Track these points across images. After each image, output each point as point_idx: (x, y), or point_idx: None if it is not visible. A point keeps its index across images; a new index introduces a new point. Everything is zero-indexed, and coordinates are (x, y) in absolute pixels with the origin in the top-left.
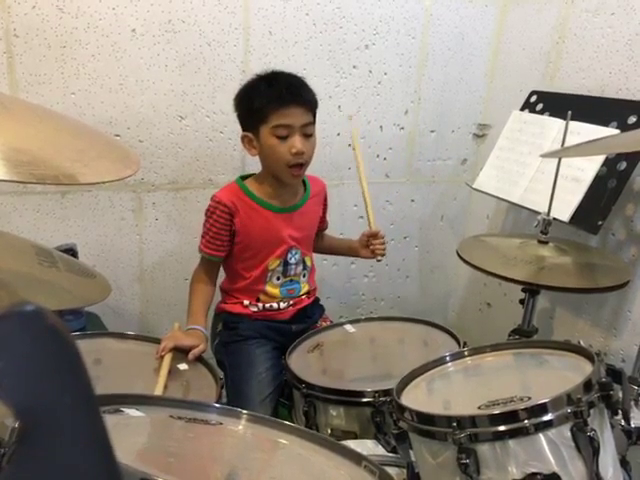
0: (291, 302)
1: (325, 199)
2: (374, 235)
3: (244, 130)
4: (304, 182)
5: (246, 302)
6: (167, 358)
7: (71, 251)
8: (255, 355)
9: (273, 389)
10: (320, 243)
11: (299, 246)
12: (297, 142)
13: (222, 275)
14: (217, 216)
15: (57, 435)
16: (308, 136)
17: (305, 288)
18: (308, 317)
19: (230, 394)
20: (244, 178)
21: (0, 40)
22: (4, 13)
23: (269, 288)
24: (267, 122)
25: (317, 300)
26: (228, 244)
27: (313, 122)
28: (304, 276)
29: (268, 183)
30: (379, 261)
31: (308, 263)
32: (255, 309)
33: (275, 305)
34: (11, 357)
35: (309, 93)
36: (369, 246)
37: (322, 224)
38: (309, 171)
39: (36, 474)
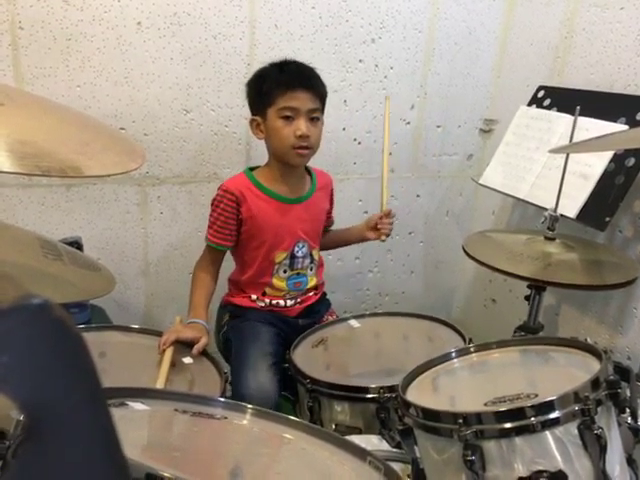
0: (298, 300)
1: (332, 194)
2: (387, 214)
3: (253, 114)
4: (310, 174)
5: (253, 297)
6: (168, 352)
7: (76, 244)
8: (260, 332)
9: (276, 361)
10: (327, 240)
11: (306, 238)
12: (302, 125)
13: (230, 267)
14: (224, 205)
15: (64, 430)
16: (314, 121)
17: (312, 282)
18: (315, 312)
19: (235, 364)
20: (252, 169)
21: (5, 32)
22: (9, 5)
23: (275, 281)
24: (274, 104)
25: (324, 295)
26: (236, 233)
27: (321, 109)
28: (311, 269)
29: (275, 170)
30: (383, 241)
31: (315, 257)
32: (262, 304)
33: (282, 302)
34: (17, 351)
35: (318, 81)
36: (377, 226)
37: (328, 220)
38: (312, 163)
39: (43, 470)
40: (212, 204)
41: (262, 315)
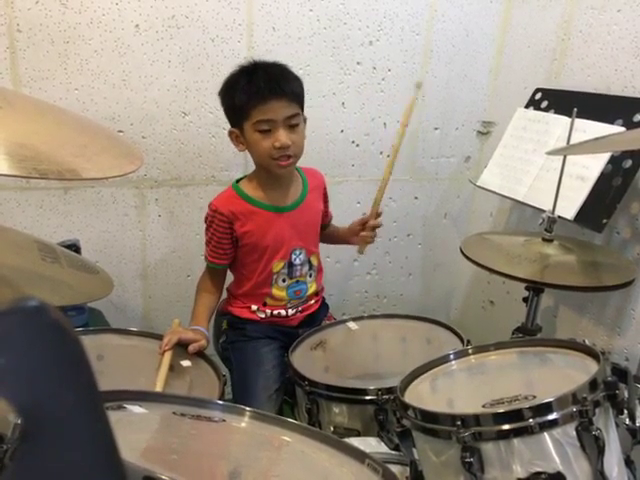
0: (299, 308)
1: (325, 193)
2: (375, 224)
3: (231, 126)
4: (301, 176)
5: (254, 307)
6: (168, 355)
7: (74, 247)
8: (262, 354)
9: (279, 385)
10: (324, 236)
11: (303, 246)
12: (281, 136)
13: (230, 277)
14: (216, 225)
15: (61, 433)
16: (294, 128)
17: (312, 288)
18: (315, 320)
19: (237, 391)
20: (239, 181)
21: (3, 35)
22: (7, 8)
23: (275, 291)
24: (249, 118)
25: (323, 300)
26: (231, 251)
27: (299, 112)
28: (310, 276)
29: (263, 179)
30: (361, 252)
31: (314, 262)
32: (263, 315)
33: (283, 312)
34: (13, 354)
35: (291, 83)
36: (360, 233)
37: (326, 218)
38: (307, 164)
39: (39, 472)
40: (205, 221)
41: (262, 329)
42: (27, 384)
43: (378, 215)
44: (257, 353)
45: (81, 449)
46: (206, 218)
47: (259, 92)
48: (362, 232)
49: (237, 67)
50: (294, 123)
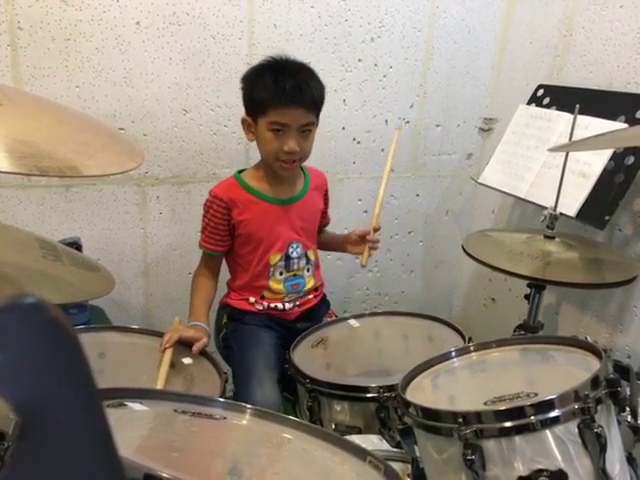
0: (297, 303)
1: (326, 193)
2: (374, 239)
3: (246, 113)
4: (304, 173)
5: (252, 299)
6: (168, 352)
7: (75, 245)
8: (261, 337)
9: (277, 360)
10: (320, 241)
11: (300, 239)
12: (291, 142)
13: (227, 273)
14: (214, 211)
15: (58, 431)
16: (306, 134)
17: (310, 283)
18: (314, 315)
19: (237, 369)
20: (241, 172)
21: (4, 33)
22: (8, 6)
23: (272, 284)
24: (265, 115)
25: (324, 296)
26: (227, 238)
27: (314, 121)
28: (308, 270)
29: (266, 171)
30: (363, 266)
31: (311, 257)
32: (260, 307)
33: (280, 306)
34: (11, 351)
35: (315, 91)
36: (362, 242)
37: (324, 219)
38: (311, 163)
39: (36, 470)
40: (203, 208)
41: (261, 319)
42: (24, 381)
43: (376, 230)
44: (256, 336)
45: (78, 446)
46: (205, 204)
47: (282, 95)
48: (368, 244)
49: (267, 57)
50: (307, 130)
